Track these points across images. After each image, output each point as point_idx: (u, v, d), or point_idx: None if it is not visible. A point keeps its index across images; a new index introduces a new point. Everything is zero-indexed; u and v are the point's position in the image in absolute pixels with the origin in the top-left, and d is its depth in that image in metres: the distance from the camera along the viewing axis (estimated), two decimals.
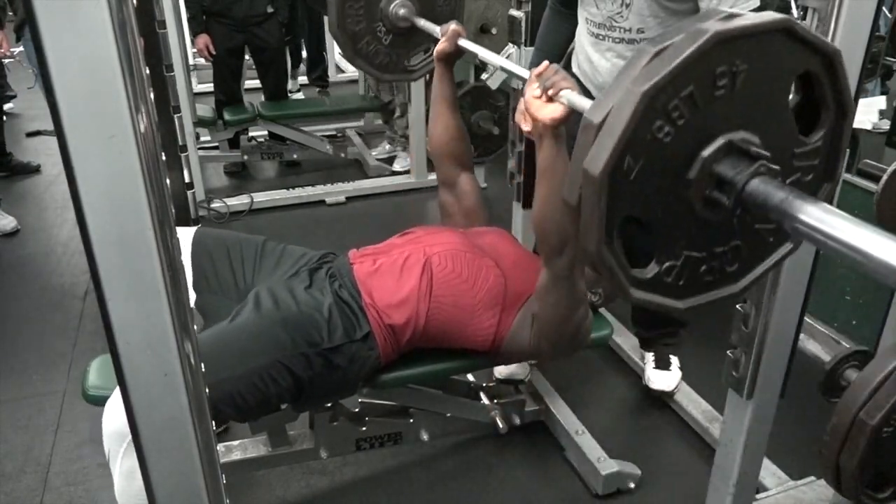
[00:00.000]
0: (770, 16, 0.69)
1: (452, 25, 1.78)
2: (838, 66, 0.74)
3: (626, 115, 0.66)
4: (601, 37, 1.83)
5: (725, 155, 0.72)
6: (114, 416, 1.40)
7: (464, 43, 1.75)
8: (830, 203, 0.71)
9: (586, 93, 1.96)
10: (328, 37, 5.56)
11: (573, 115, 1.24)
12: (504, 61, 1.58)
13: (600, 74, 1.87)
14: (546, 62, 1.33)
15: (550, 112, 1.27)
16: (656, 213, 0.75)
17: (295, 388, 1.53)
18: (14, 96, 5.38)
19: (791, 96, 0.78)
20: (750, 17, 0.69)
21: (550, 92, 1.25)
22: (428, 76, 3.83)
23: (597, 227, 0.71)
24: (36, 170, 4.21)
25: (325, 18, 5.51)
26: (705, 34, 0.65)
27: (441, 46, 1.79)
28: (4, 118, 4.09)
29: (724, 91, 0.70)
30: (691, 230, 0.77)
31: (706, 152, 0.72)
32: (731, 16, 0.69)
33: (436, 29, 1.85)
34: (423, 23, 1.90)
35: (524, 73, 1.40)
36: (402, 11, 1.92)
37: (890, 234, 0.62)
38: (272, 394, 1.50)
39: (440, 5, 2.00)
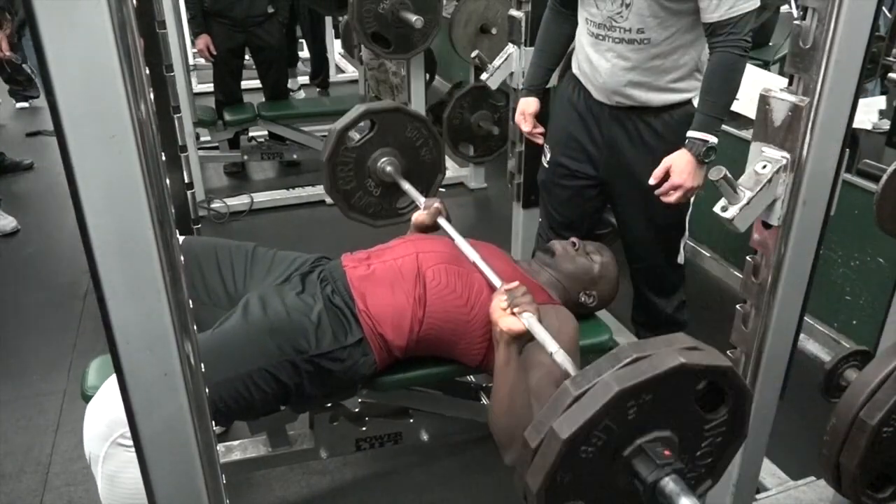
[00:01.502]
0: (665, 363, 0.83)
1: (436, 204, 1.90)
2: (733, 377, 0.91)
3: (553, 454, 0.83)
4: (601, 37, 1.83)
5: (639, 454, 0.88)
6: (95, 418, 1.38)
7: (443, 223, 1.87)
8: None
9: (585, 92, 1.96)
10: (328, 38, 5.58)
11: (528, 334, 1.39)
12: (478, 261, 1.65)
13: (600, 75, 1.87)
14: (517, 282, 1.48)
15: (510, 324, 1.41)
16: (593, 498, 0.91)
17: (281, 394, 1.52)
18: (36, 97, 5.42)
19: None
20: (649, 366, 0.83)
21: (515, 310, 1.41)
22: (427, 76, 3.82)
23: None
24: (29, 167, 4.22)
25: (328, 22, 5.54)
26: (611, 392, 0.82)
27: (421, 218, 1.90)
28: None
29: (634, 414, 0.85)
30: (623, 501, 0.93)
31: (625, 453, 0.88)
32: (638, 360, 0.84)
33: (420, 199, 2.00)
34: (407, 187, 2.06)
35: (496, 281, 1.56)
36: (388, 169, 2.09)
37: None
38: (256, 400, 1.48)
39: (423, 157, 2.17)
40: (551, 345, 1.29)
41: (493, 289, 1.59)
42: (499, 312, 1.43)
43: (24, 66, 5.48)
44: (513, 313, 1.41)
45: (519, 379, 1.43)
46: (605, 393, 0.82)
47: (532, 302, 1.42)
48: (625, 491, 0.90)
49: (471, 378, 2.09)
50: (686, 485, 0.86)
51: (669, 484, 0.85)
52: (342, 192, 2.11)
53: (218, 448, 0.86)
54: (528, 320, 1.38)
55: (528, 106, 2.08)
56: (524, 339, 1.41)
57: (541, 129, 2.10)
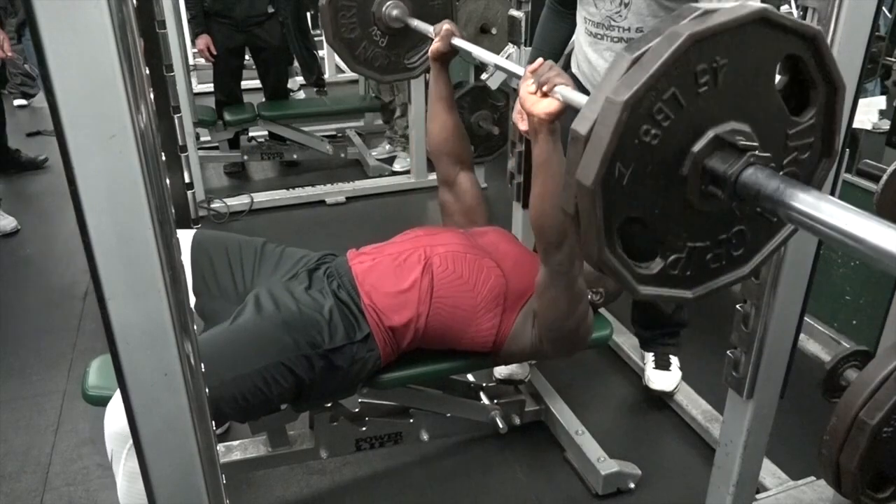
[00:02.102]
0: (744, 8, 0.69)
1: (445, 25, 1.78)
2: (821, 45, 0.74)
3: (610, 126, 0.67)
4: (600, 36, 1.83)
5: (715, 149, 0.72)
6: (116, 416, 1.39)
7: (457, 42, 1.76)
8: (832, 181, 0.71)
9: (584, 91, 1.96)
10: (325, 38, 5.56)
11: (568, 110, 1.24)
12: (499, 59, 1.58)
13: (599, 74, 1.86)
14: (540, 59, 1.33)
15: (545, 107, 1.28)
16: (654, 212, 0.75)
17: (296, 389, 1.53)
18: (34, 94, 5.43)
19: (778, 78, 0.77)
20: (724, 13, 0.69)
21: (545, 88, 1.27)
22: (426, 76, 3.83)
23: (596, 235, 0.72)
24: (44, 163, 4.24)
25: (310, 18, 5.50)
26: (680, 37, 0.66)
27: (435, 46, 1.79)
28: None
29: (706, 87, 0.70)
30: (692, 223, 0.77)
31: (696, 148, 0.72)
32: (707, 13, 0.69)
33: (429, 29, 1.85)
34: (416, 23, 1.90)
35: (519, 70, 1.41)
36: (394, 13, 1.93)
37: (881, 220, 0.62)
38: (274, 395, 1.50)
39: (432, 2, 2.00)
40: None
41: (502, 271, 1.60)
42: (530, 100, 1.29)
43: (25, 66, 5.49)
44: (544, 95, 1.28)
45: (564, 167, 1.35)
46: (672, 41, 0.66)
47: (562, 73, 1.28)
48: (697, 207, 0.75)
49: (471, 378, 2.09)
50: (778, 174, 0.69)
51: (756, 173, 0.69)
52: (345, 42, 1.95)
53: (218, 448, 0.86)
54: (562, 92, 1.24)
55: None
56: (564, 115, 1.28)
57: None
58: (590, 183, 0.69)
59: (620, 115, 0.66)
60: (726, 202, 0.73)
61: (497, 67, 1.57)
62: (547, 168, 1.34)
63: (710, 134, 0.71)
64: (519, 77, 1.39)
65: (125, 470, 1.39)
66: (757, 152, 0.70)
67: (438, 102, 1.85)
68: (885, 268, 0.61)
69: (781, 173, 0.77)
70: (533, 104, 1.29)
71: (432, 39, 1.81)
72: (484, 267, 1.64)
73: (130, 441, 1.33)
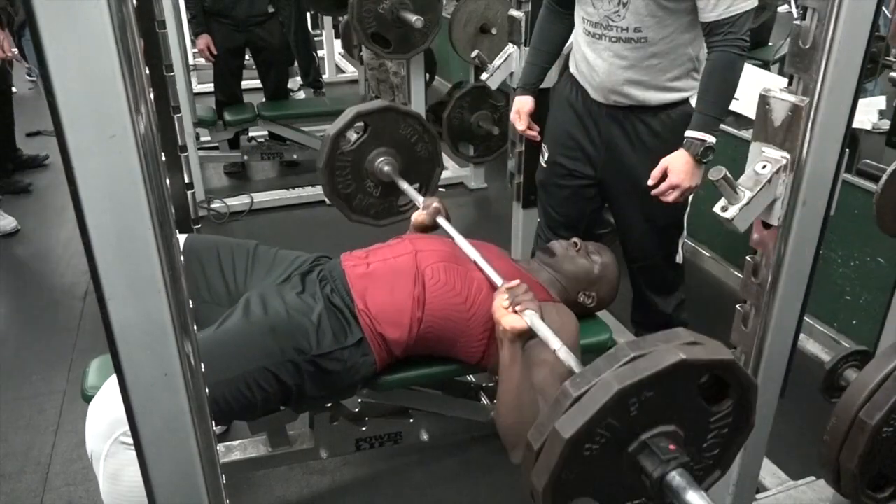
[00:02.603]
0: (665, 358, 0.82)
1: (434, 203, 1.89)
2: (737, 370, 0.89)
3: (556, 454, 0.83)
4: (598, 36, 1.83)
5: (644, 450, 0.88)
6: (97, 416, 1.38)
7: (442, 222, 1.87)
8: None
9: (583, 93, 1.96)
10: (325, 37, 5.56)
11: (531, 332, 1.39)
12: (479, 260, 1.66)
13: (598, 75, 1.87)
14: (518, 280, 1.48)
15: (512, 322, 1.40)
16: (603, 492, 0.91)
17: (282, 394, 1.52)
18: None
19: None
20: (649, 364, 0.83)
21: (517, 308, 1.41)
22: (427, 76, 3.81)
23: None
24: (44, 161, 4.25)
25: (325, 21, 5.50)
26: (611, 390, 0.81)
27: (420, 218, 1.90)
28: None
29: (636, 410, 0.85)
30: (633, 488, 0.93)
31: (630, 448, 0.88)
32: (635, 358, 0.84)
33: (419, 199, 1.98)
34: (405, 187, 2.05)
35: (497, 280, 1.56)
36: (386, 169, 2.07)
37: None
38: (258, 400, 1.48)
39: (419, 153, 2.15)
40: (554, 342, 1.29)
41: (493, 287, 1.59)
42: (501, 311, 1.43)
43: (27, 65, 5.50)
44: (515, 311, 1.41)
45: (524, 377, 1.43)
46: (605, 392, 0.82)
47: (533, 299, 1.42)
48: (632, 486, 0.90)
49: (471, 378, 2.09)
50: (692, 478, 0.85)
51: (676, 478, 0.85)
52: (343, 196, 2.11)
53: (218, 448, 0.86)
54: (530, 318, 1.38)
55: (523, 105, 2.08)
56: (527, 336, 1.41)
57: (536, 129, 2.10)
58: (541, 489, 0.85)
59: (564, 448, 0.83)
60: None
61: (479, 266, 1.66)
62: (507, 375, 1.44)
63: (641, 437, 0.88)
64: (496, 286, 1.54)
65: (105, 470, 1.36)
66: (676, 457, 0.86)
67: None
68: None
69: (706, 444, 0.95)
70: (502, 316, 1.42)
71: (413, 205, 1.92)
72: (475, 279, 1.64)
73: (110, 440, 1.33)
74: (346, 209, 2.14)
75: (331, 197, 2.11)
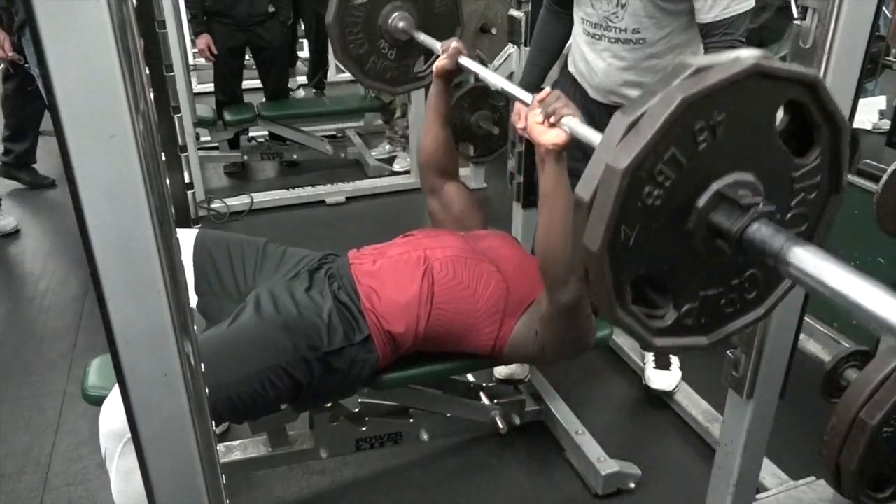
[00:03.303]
0: (739, 63, 0.68)
1: (454, 43, 1.77)
2: (821, 91, 0.74)
3: (612, 194, 0.68)
4: (597, 37, 1.83)
5: (720, 203, 0.72)
6: (111, 415, 1.39)
7: (464, 61, 1.75)
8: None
9: (582, 93, 1.96)
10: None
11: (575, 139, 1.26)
12: (507, 84, 1.55)
13: (596, 75, 1.87)
14: (548, 89, 1.32)
15: (552, 138, 1.29)
16: (664, 267, 0.75)
17: (293, 391, 1.53)
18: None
19: (780, 118, 0.77)
20: (718, 70, 0.68)
21: (552, 119, 1.27)
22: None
23: (607, 297, 0.73)
24: (52, 185, 3.95)
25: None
26: (674, 102, 0.66)
27: (441, 63, 1.78)
28: None
29: (706, 143, 0.70)
30: (702, 273, 0.78)
31: (700, 203, 0.72)
32: (701, 70, 0.69)
33: (436, 45, 1.84)
34: (422, 37, 1.90)
35: (527, 97, 1.40)
36: (401, 24, 1.92)
37: (877, 283, 0.64)
38: (271, 397, 1.49)
39: (437, 9, 2.00)
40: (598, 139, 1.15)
41: (502, 276, 1.59)
42: (537, 130, 1.30)
43: (26, 66, 5.48)
44: (551, 125, 1.28)
45: (571, 198, 1.34)
46: (667, 105, 0.66)
47: (569, 104, 1.28)
48: (706, 258, 0.75)
49: (471, 377, 2.09)
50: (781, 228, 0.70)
51: (761, 229, 0.69)
52: (354, 58, 1.95)
53: (218, 448, 0.86)
54: (569, 124, 1.25)
55: (522, 105, 2.07)
56: (569, 146, 1.30)
57: None
58: (596, 249, 0.70)
59: (621, 182, 0.67)
60: (733, 254, 0.73)
61: (504, 92, 1.56)
62: (553, 199, 1.34)
63: (713, 188, 0.72)
64: (526, 104, 1.39)
65: (118, 469, 1.38)
66: (761, 206, 0.71)
67: (435, 118, 1.86)
68: (879, 332, 0.62)
69: (790, 214, 0.79)
70: (540, 134, 1.30)
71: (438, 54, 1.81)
72: (484, 272, 1.63)
73: (124, 440, 1.34)
74: (358, 72, 1.99)
75: (342, 58, 1.96)
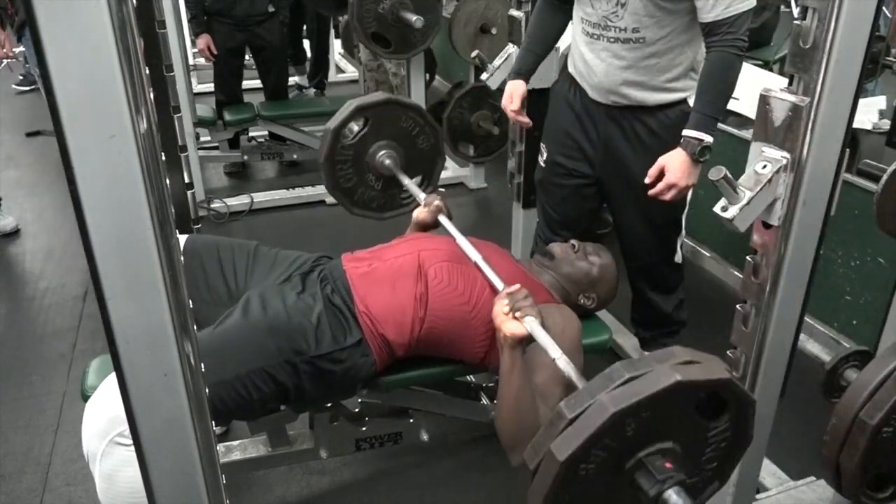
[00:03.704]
0: (660, 382, 0.82)
1: (437, 202, 1.86)
2: (735, 388, 0.89)
3: (552, 474, 0.83)
4: (596, 36, 1.83)
5: (641, 468, 0.87)
6: (94, 416, 1.37)
7: (444, 220, 1.83)
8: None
9: (582, 93, 1.96)
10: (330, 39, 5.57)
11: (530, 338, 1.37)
12: (483, 264, 1.61)
13: (596, 75, 1.87)
14: (518, 285, 1.45)
15: (512, 329, 1.38)
16: None
17: (279, 395, 1.52)
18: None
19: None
20: (644, 386, 0.82)
21: (517, 314, 1.39)
22: (427, 76, 3.79)
23: None
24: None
25: (331, 23, 5.52)
26: (607, 412, 0.81)
27: (422, 216, 1.87)
28: None
29: (633, 430, 0.85)
30: None
31: (627, 465, 0.88)
32: (631, 380, 0.83)
33: (420, 196, 1.95)
34: (407, 182, 2.02)
35: (498, 283, 1.52)
36: (387, 162, 2.04)
37: None
38: (254, 399, 1.48)
39: (421, 146, 2.12)
40: (554, 350, 1.27)
41: (494, 288, 1.59)
42: (501, 317, 1.41)
43: (26, 66, 5.49)
44: (515, 318, 1.39)
45: (524, 382, 1.42)
46: (601, 415, 0.82)
47: (533, 305, 1.41)
48: (631, 503, 0.90)
49: (471, 378, 2.09)
50: (688, 496, 0.85)
51: (672, 496, 0.85)
52: (344, 191, 2.08)
53: (218, 448, 0.86)
54: (530, 324, 1.36)
55: (516, 88, 2.05)
56: (527, 342, 1.40)
57: (527, 119, 2.08)
58: None
59: (560, 469, 0.82)
60: None
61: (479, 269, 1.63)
62: (507, 380, 1.43)
63: (638, 455, 0.87)
64: (496, 288, 1.52)
65: (101, 470, 1.36)
66: (672, 475, 0.85)
67: None
68: None
69: (705, 457, 0.95)
70: (502, 322, 1.40)
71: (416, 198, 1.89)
72: (478, 279, 1.63)
73: (106, 440, 1.33)
74: (347, 203, 2.11)
75: (332, 191, 2.08)
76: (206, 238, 1.83)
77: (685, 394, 0.87)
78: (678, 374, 0.83)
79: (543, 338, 1.33)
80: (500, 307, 1.42)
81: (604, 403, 0.82)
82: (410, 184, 2.02)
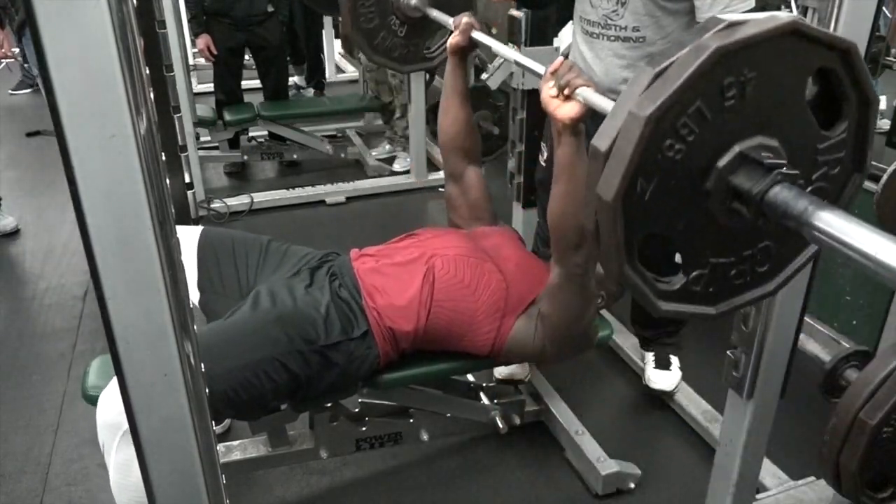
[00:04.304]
0: (775, 20, 0.66)
1: (465, 18, 1.76)
2: (856, 59, 0.72)
3: (632, 142, 0.65)
4: (596, 35, 1.83)
5: (741, 165, 0.70)
6: (108, 407, 1.39)
7: (477, 35, 1.73)
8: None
9: None
10: (325, 37, 5.56)
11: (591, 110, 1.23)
12: (519, 56, 1.55)
13: (595, 74, 1.87)
14: (560, 58, 1.31)
15: (568, 111, 1.26)
16: (677, 228, 0.73)
17: (292, 385, 1.53)
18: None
19: (808, 90, 0.75)
20: (753, 25, 0.66)
21: (566, 91, 1.25)
22: (427, 76, 3.81)
23: (616, 251, 0.70)
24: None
25: (328, 22, 5.51)
26: (707, 50, 0.64)
27: (454, 40, 1.77)
28: None
29: (733, 100, 0.68)
30: (716, 238, 0.76)
31: (721, 164, 0.70)
32: (735, 24, 0.66)
33: (448, 21, 1.82)
34: (435, 13, 1.88)
35: (539, 69, 1.39)
36: (413, 2, 1.90)
37: None
38: (267, 390, 1.49)
39: None
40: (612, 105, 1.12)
41: (503, 275, 1.60)
42: (553, 104, 1.27)
43: (26, 66, 5.49)
44: (566, 98, 1.26)
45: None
46: (699, 53, 0.64)
47: (581, 74, 1.26)
48: (721, 223, 0.73)
49: (471, 378, 2.09)
50: (804, 192, 0.67)
51: (783, 192, 0.67)
52: (364, 31, 1.93)
53: (218, 448, 0.86)
54: (584, 95, 1.22)
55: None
56: (586, 116, 1.27)
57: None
58: (610, 199, 0.67)
59: (643, 129, 0.64)
60: (751, 219, 0.71)
61: (518, 64, 1.55)
62: (570, 170, 1.33)
63: (735, 149, 0.70)
64: (540, 76, 1.37)
65: (116, 461, 1.38)
66: (784, 169, 0.68)
67: (453, 96, 1.83)
68: None
69: (810, 188, 0.76)
70: (555, 108, 1.27)
71: (451, 31, 1.79)
72: (485, 271, 1.64)
73: (121, 431, 1.34)
74: (367, 47, 1.96)
75: (350, 31, 1.94)
76: (221, 231, 1.84)
77: (800, 56, 0.69)
78: (797, 20, 0.67)
79: (604, 103, 1.17)
80: (547, 91, 1.28)
81: (704, 42, 0.65)
82: (439, 14, 1.88)
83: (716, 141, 0.69)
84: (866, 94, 0.75)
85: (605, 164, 0.68)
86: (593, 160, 0.70)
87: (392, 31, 1.94)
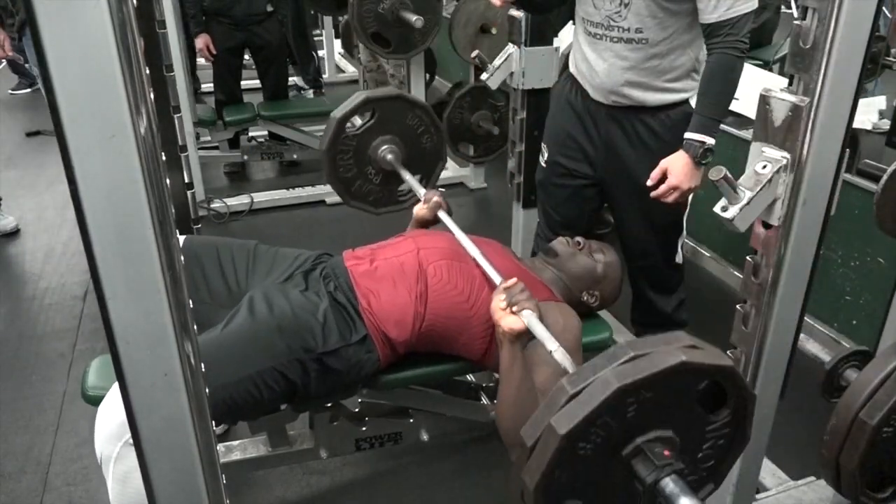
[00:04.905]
0: (666, 360, 0.81)
1: (435, 197, 1.87)
2: (737, 378, 0.89)
3: (551, 450, 0.81)
4: (599, 36, 1.83)
5: (639, 454, 0.86)
6: (107, 418, 1.38)
7: (443, 216, 1.84)
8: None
9: (583, 93, 1.96)
10: (325, 37, 5.55)
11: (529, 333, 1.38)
12: (481, 261, 1.62)
13: (598, 75, 1.87)
14: (515, 279, 1.46)
15: (510, 323, 1.40)
16: (591, 497, 0.89)
17: (289, 392, 1.53)
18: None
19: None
20: (649, 364, 0.81)
21: (514, 308, 1.39)
22: (427, 76, 3.79)
23: None
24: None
25: (325, 21, 5.48)
26: (610, 388, 0.80)
27: (421, 212, 1.89)
28: None
29: (633, 412, 0.83)
30: (623, 501, 0.91)
31: (625, 452, 0.87)
32: (635, 358, 0.82)
33: (420, 191, 1.95)
34: (408, 177, 2.02)
35: (496, 278, 1.54)
36: (388, 157, 2.04)
37: None
38: (265, 399, 1.49)
39: (424, 145, 2.12)
40: (551, 343, 1.28)
41: (493, 285, 1.59)
42: (499, 312, 1.41)
43: (26, 66, 5.49)
44: (513, 312, 1.39)
45: (524, 378, 1.42)
46: (605, 389, 0.80)
47: (531, 298, 1.41)
48: (624, 491, 0.89)
49: (471, 378, 2.09)
50: (686, 485, 0.84)
51: (669, 484, 0.84)
52: (342, 180, 2.07)
53: (218, 448, 0.86)
54: (527, 318, 1.37)
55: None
56: (526, 337, 1.40)
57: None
58: (532, 487, 0.83)
59: (560, 443, 0.80)
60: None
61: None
62: (508, 374, 1.43)
63: (637, 440, 0.86)
64: (493, 283, 1.53)
65: (115, 473, 1.37)
66: (671, 463, 0.84)
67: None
68: None
69: (701, 454, 0.94)
70: (500, 318, 1.41)
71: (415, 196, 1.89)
72: (476, 276, 1.64)
73: (120, 443, 1.33)
74: (344, 193, 2.10)
75: (330, 180, 2.08)
76: (204, 238, 1.83)
77: (689, 378, 0.86)
78: (683, 356, 0.82)
79: (541, 331, 1.33)
80: (498, 302, 1.42)
81: (608, 378, 0.81)
82: (411, 179, 2.02)
83: (619, 437, 0.86)
84: (744, 396, 0.92)
85: (529, 457, 0.85)
86: (520, 449, 0.86)
87: (368, 178, 2.10)
